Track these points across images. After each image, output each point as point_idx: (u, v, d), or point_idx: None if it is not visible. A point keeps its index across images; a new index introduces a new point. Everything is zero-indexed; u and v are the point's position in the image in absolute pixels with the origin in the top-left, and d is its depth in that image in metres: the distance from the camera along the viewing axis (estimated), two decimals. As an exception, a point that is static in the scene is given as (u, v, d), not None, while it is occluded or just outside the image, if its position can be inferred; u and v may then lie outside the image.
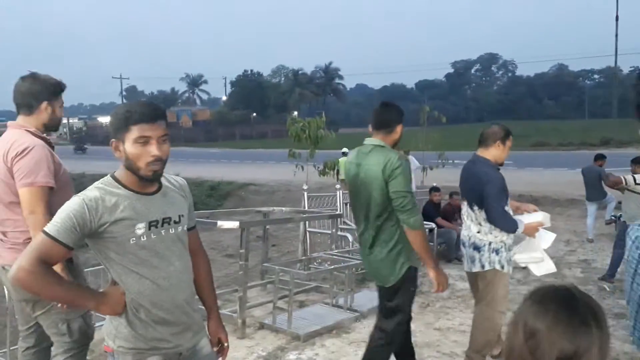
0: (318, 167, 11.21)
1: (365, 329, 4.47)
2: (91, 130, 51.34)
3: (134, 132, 1.66)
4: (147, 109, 1.69)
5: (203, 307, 2.03)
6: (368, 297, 5.24)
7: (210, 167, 23.23)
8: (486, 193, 3.25)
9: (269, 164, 23.74)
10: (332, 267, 4.92)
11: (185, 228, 1.86)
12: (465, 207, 3.54)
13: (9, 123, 2.56)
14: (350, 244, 6.11)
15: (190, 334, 1.85)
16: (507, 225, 3.30)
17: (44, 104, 2.51)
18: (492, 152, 3.42)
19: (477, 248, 3.40)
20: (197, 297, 1.98)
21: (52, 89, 2.55)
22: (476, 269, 3.43)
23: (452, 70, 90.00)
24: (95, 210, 1.63)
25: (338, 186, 7.92)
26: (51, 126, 2.57)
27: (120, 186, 1.72)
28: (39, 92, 2.51)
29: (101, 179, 1.76)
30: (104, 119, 60.83)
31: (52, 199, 2.30)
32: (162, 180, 1.83)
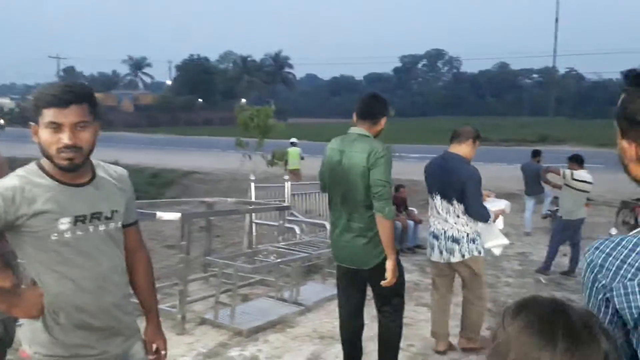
0: (266, 157, 11.02)
1: (309, 323, 4.40)
2: (24, 112, 48.41)
3: (46, 116, 1.50)
4: (59, 92, 1.50)
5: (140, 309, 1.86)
6: (314, 290, 5.18)
7: (152, 153, 22.45)
8: (468, 188, 3.51)
9: (214, 152, 23.25)
10: (279, 260, 4.81)
11: (118, 225, 1.68)
12: (439, 201, 3.69)
13: None
14: (298, 236, 6.02)
15: (120, 339, 1.68)
16: (485, 216, 3.61)
17: None
18: (464, 149, 3.66)
19: (455, 240, 3.64)
20: (133, 299, 1.81)
21: None
22: (456, 259, 3.65)
23: (400, 65, 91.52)
24: (11, 200, 1.47)
25: (286, 177, 7.80)
26: None
27: (44, 175, 1.55)
28: None
29: (25, 166, 1.57)
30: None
31: None
32: (98, 170, 1.67)
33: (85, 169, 1.61)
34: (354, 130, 3.03)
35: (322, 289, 5.23)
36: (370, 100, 3.08)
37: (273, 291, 5.07)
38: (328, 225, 6.10)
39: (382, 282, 2.94)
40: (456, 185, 3.55)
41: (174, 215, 4.38)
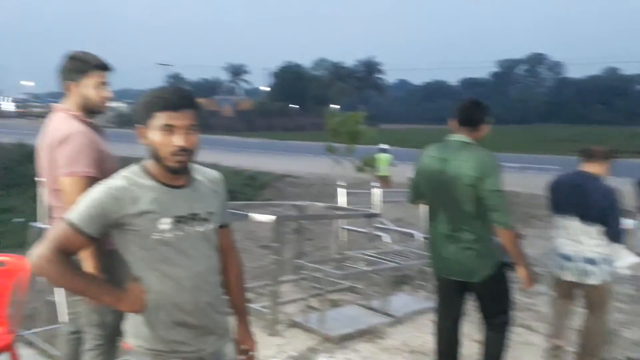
0: (356, 163, 11.01)
1: (400, 336, 4.30)
2: (133, 114, 52.62)
3: (159, 119, 1.56)
4: (174, 96, 1.57)
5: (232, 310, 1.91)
6: (404, 302, 5.07)
7: (250, 156, 23.37)
8: (610, 211, 3.46)
9: (306, 157, 23.69)
10: (370, 268, 4.77)
11: (214, 226, 1.74)
12: (572, 221, 3.58)
13: (55, 106, 2.46)
14: (387, 244, 5.94)
15: (214, 337, 1.73)
16: (622, 238, 3.58)
17: (71, 84, 2.36)
18: (600, 169, 3.61)
19: (592, 262, 3.52)
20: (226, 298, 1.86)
21: (80, 67, 2.36)
22: (593, 281, 3.54)
23: (497, 69, 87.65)
24: (119, 200, 1.55)
25: (376, 183, 7.73)
26: (89, 108, 2.39)
27: (147, 177, 1.62)
28: (67, 71, 2.36)
29: (128, 167, 1.66)
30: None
31: None
32: (194, 173, 1.72)
33: (186, 171, 1.68)
34: (457, 137, 2.94)
35: (412, 301, 5.11)
36: (470, 106, 3.00)
37: (362, 299, 5.03)
38: (418, 235, 6.00)
39: (524, 286, 2.95)
40: (596, 207, 3.46)
41: (268, 218, 4.50)
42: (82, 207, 1.56)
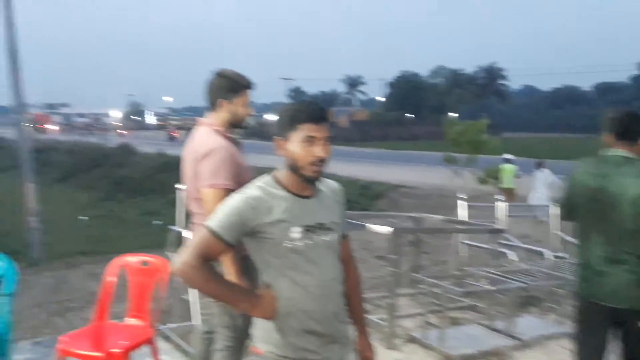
0: (477, 174, 10.53)
1: (527, 361, 4.00)
2: (261, 127, 55.53)
3: (301, 131, 1.64)
4: (315, 109, 1.67)
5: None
6: (531, 324, 4.72)
7: (364, 166, 23.51)
8: None
9: (421, 167, 23.23)
10: (494, 287, 4.51)
11: (338, 236, 1.78)
12: None
13: (200, 120, 2.65)
14: (511, 262, 5.57)
15: (338, 346, 1.75)
16: None
17: (223, 102, 2.53)
18: None
19: None
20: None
21: (232, 86, 2.54)
22: None
23: (637, 73, 78.77)
24: (255, 209, 1.63)
25: (500, 196, 7.32)
26: (234, 124, 2.57)
27: (279, 187, 1.70)
28: (219, 89, 2.53)
29: (260, 178, 1.75)
30: (272, 117, 65.62)
31: None
32: (318, 184, 1.77)
33: (317, 181, 1.75)
34: (616, 152, 2.70)
35: (541, 324, 4.74)
36: (628, 118, 2.75)
37: (484, 319, 4.77)
38: (549, 254, 5.55)
39: None
40: None
41: (385, 229, 4.46)
42: (221, 215, 1.65)
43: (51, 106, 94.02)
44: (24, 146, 10.28)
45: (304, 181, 1.69)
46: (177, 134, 47.14)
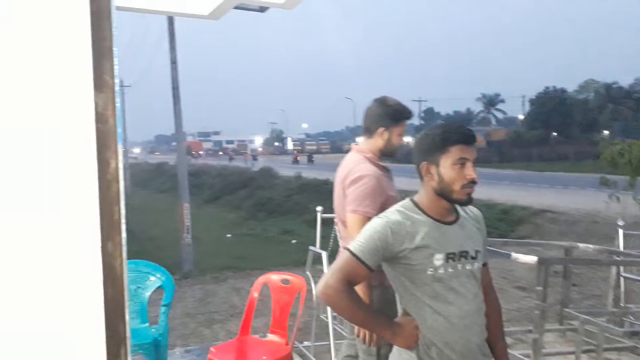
0: (638, 200, 9.33)
1: None
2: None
3: (453, 153, 1.61)
4: (466, 131, 1.65)
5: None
6: None
7: (503, 189, 22.17)
8: None
9: (570, 190, 21.23)
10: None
11: (480, 265, 1.70)
12: None
13: (352, 145, 2.68)
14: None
15: None
16: None
17: (381, 129, 2.52)
18: None
19: None
20: None
21: (393, 115, 2.53)
22: None
23: None
24: (397, 234, 1.60)
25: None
26: (386, 152, 2.56)
27: (420, 212, 1.66)
28: (379, 116, 2.53)
29: (401, 203, 1.72)
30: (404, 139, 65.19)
31: None
32: (459, 209, 1.73)
33: (453, 207, 1.69)
34: None
35: None
36: None
37: (650, 364, 4.16)
38: None
39: None
40: None
41: (531, 259, 4.15)
42: (363, 239, 1.62)
43: (205, 134, 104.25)
44: (181, 170, 11.63)
45: (460, 203, 1.66)
46: (299, 157, 53.41)
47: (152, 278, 2.93)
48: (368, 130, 2.57)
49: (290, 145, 78.06)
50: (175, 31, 10.40)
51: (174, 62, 10.20)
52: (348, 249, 1.64)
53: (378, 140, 2.54)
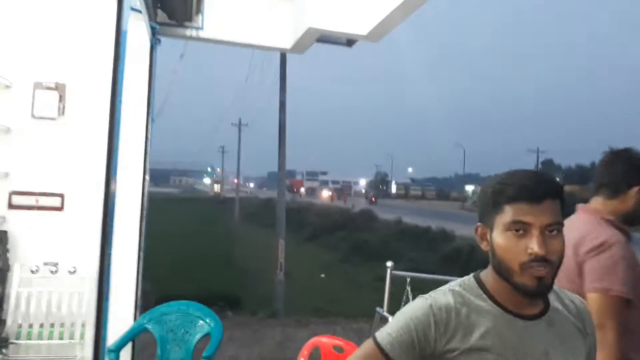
0: None
1: None
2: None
3: (508, 214, 1.10)
4: (530, 182, 1.10)
5: None
6: None
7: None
8: None
9: None
10: None
11: None
12: None
13: (580, 206, 2.18)
14: None
15: None
16: None
17: (635, 189, 2.05)
18: None
19: None
20: None
21: None
22: None
23: None
24: (445, 325, 1.13)
25: None
26: (630, 217, 2.07)
27: (485, 296, 1.16)
28: (631, 173, 2.07)
29: (462, 280, 1.22)
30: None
31: (631, 314, 1.82)
32: (551, 297, 1.20)
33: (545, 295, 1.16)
34: None
35: None
36: None
37: None
38: None
39: None
40: None
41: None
42: (396, 326, 1.16)
43: (313, 174, 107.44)
44: (280, 207, 11.75)
45: (520, 293, 1.11)
46: (374, 199, 52.94)
47: (201, 322, 2.71)
48: (612, 189, 2.05)
49: (394, 189, 77.39)
50: (287, 73, 10.71)
51: (282, 104, 10.47)
52: (374, 337, 1.17)
53: (627, 202, 2.03)
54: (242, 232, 23.14)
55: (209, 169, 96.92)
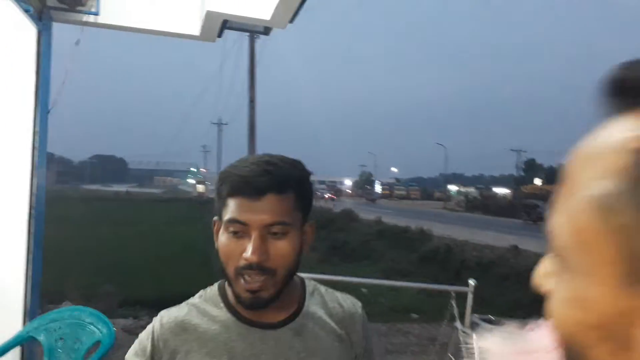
0: None
1: None
2: (485, 200, 53.01)
3: (228, 209, 0.91)
4: (250, 172, 0.89)
5: None
6: None
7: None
8: None
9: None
10: None
11: None
12: None
13: None
14: None
15: None
16: None
17: None
18: None
19: None
20: None
21: None
22: None
23: None
24: (164, 342, 0.95)
25: None
26: None
27: (222, 304, 0.99)
28: None
29: (209, 288, 1.06)
30: (499, 190, 62.33)
31: None
32: (310, 300, 1.03)
33: (287, 298, 0.99)
34: None
35: None
36: None
37: None
38: None
39: None
40: None
41: None
42: (132, 350, 0.99)
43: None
44: None
45: (240, 303, 0.94)
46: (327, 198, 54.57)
47: (93, 329, 2.50)
48: None
49: (378, 188, 77.56)
50: (255, 70, 10.54)
51: (252, 101, 10.28)
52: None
53: None
54: (207, 235, 22.85)
55: (193, 169, 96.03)
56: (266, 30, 2.53)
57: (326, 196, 58.78)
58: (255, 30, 2.54)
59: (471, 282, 3.82)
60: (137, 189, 77.56)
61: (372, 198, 56.88)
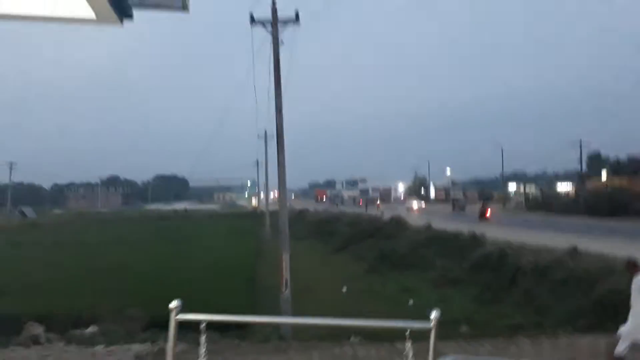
0: None
1: None
2: (546, 198, 50.31)
3: None
4: None
5: None
6: None
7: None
8: None
9: None
10: None
11: None
12: None
13: None
14: None
15: None
16: None
17: None
18: None
19: None
20: None
21: None
22: None
23: None
24: None
25: None
26: None
27: None
28: None
29: None
30: (562, 187, 59.07)
31: None
32: None
33: None
34: None
35: None
36: None
37: None
38: None
39: None
40: None
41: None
42: None
43: (352, 182, 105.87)
44: (282, 220, 10.75)
45: None
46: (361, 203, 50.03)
47: None
48: None
49: (433, 193, 75.39)
50: (280, 76, 10.30)
51: (279, 111, 10.03)
52: None
53: None
54: (269, 246, 22.79)
55: (249, 183, 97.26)
56: (184, 6, 2.19)
57: (378, 203, 57.46)
58: (172, 7, 2.19)
59: (434, 313, 2.52)
60: (195, 206, 79.66)
61: (461, 205, 51.17)
